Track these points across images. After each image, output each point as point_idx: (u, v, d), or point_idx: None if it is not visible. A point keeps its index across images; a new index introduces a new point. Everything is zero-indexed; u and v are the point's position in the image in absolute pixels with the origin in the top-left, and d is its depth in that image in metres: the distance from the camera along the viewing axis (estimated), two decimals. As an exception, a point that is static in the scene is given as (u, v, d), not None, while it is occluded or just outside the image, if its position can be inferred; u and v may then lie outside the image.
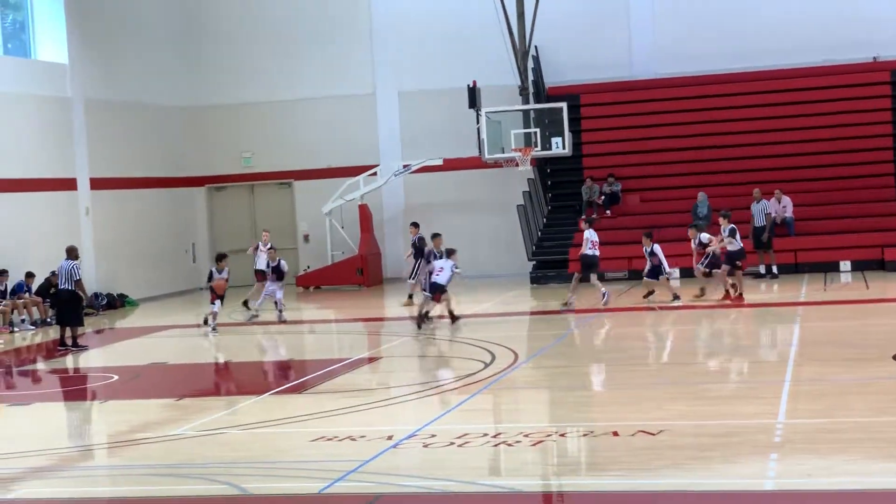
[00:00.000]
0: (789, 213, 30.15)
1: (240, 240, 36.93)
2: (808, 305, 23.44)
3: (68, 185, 31.00)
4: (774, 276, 28.40)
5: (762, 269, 28.93)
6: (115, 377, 18.80)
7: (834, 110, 32.85)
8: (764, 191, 29.91)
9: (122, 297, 31.81)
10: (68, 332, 22.19)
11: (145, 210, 34.07)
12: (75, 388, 18.85)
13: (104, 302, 30.86)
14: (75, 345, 22.11)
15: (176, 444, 13.19)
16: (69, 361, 21.33)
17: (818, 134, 32.62)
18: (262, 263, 27.04)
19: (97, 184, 31.86)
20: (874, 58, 33.17)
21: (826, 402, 13.58)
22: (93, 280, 31.11)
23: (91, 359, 21.94)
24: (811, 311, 22.69)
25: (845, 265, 29.31)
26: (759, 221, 28.94)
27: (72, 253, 22.29)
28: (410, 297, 26.61)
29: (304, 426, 13.78)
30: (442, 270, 22.36)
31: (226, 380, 19.49)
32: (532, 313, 26.02)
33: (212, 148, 36.79)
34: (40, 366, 21.97)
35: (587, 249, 24.15)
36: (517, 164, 30.72)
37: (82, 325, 23.39)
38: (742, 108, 33.42)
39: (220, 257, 24.54)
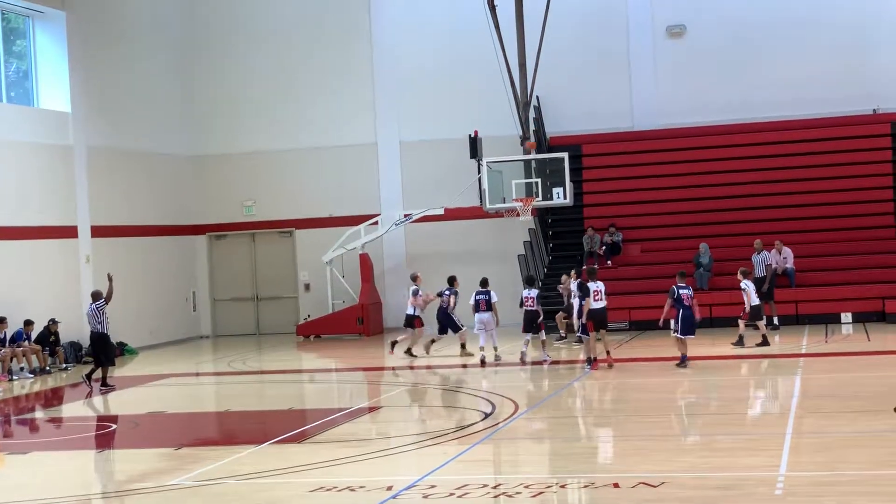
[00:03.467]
0: (790, 265, 30.14)
1: (240, 288, 37.02)
2: (810, 357, 23.37)
3: (69, 232, 31.02)
4: (776, 328, 28.31)
5: (774, 320, 28.88)
6: (114, 426, 18.71)
7: (835, 162, 32.97)
8: (765, 242, 29.92)
9: (122, 345, 31.72)
10: (100, 372, 23.25)
11: (146, 258, 34.07)
12: (73, 438, 18.73)
13: (104, 350, 30.74)
14: (104, 384, 23.10)
15: (173, 494, 13.10)
16: (66, 411, 21.24)
17: (819, 185, 32.69)
18: (411, 309, 26.58)
19: (98, 231, 31.89)
20: (874, 110, 33.32)
21: (827, 455, 13.50)
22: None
23: (90, 407, 21.84)
24: (812, 362, 22.61)
25: (846, 317, 29.28)
26: (759, 272, 28.91)
27: (96, 297, 23.48)
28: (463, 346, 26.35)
29: (303, 476, 13.69)
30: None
31: (224, 429, 19.38)
32: (533, 363, 25.93)
33: (213, 196, 36.88)
34: (38, 414, 21.87)
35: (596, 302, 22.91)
36: (518, 214, 30.76)
37: (114, 364, 24.41)
38: (743, 160, 33.52)
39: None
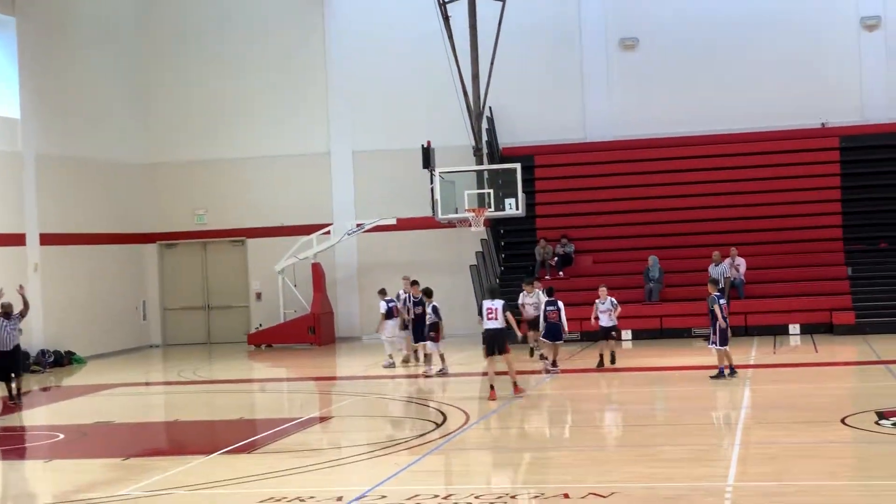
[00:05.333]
0: (742, 273, 30.39)
1: (191, 297, 36.81)
2: (758, 368, 23.54)
3: (17, 240, 30.73)
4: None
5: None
6: (61, 436, 18.53)
7: (784, 175, 33.29)
8: (718, 253, 30.18)
9: (70, 354, 31.45)
10: (13, 385, 22.20)
11: (95, 266, 33.79)
12: (19, 447, 18.53)
13: (51, 359, 30.51)
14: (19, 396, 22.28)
15: (121, 504, 12.99)
16: (13, 420, 21.00)
17: (768, 198, 32.99)
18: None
19: (47, 239, 31.60)
20: (823, 124, 33.68)
21: (775, 466, 13.61)
22: (40, 337, 30.78)
23: (36, 417, 21.62)
24: (761, 374, 22.78)
25: (794, 328, 29.56)
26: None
27: (7, 313, 22.11)
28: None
29: (253, 487, 13.61)
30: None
31: (174, 439, 19.24)
32: (484, 374, 25.90)
33: (164, 205, 36.65)
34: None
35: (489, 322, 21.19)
36: (470, 225, 30.77)
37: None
38: (694, 172, 33.79)
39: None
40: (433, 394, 21.59)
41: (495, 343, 20.11)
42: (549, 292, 24.72)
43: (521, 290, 25.61)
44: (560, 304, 23.98)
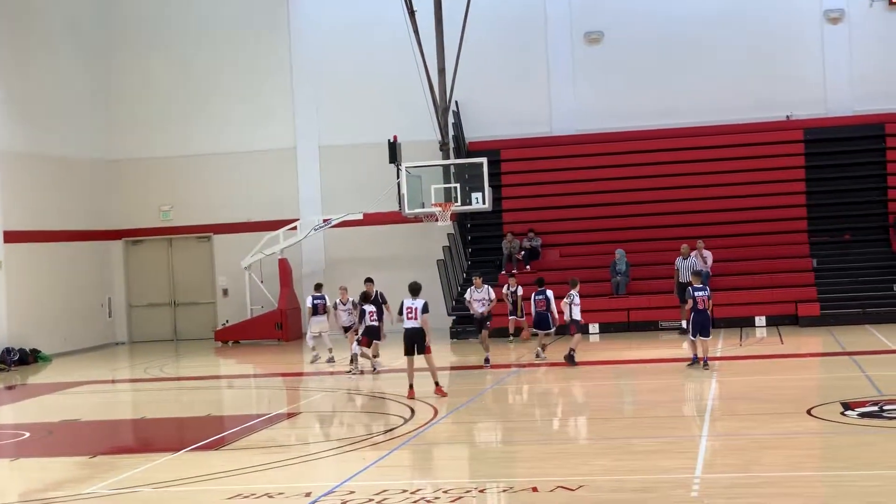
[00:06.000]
0: (708, 268, 30.49)
1: (157, 294, 36.65)
2: (725, 360, 23.64)
3: (-19, 238, 30.51)
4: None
5: (684, 325, 29.11)
6: (27, 434, 18.39)
7: (749, 167, 33.45)
8: (684, 245, 30.27)
9: (35, 352, 31.22)
10: None
11: (60, 264, 33.57)
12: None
13: (16, 357, 30.29)
14: None
15: (88, 502, 12.91)
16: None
17: (733, 191, 33.16)
18: (346, 320, 25.25)
19: (11, 237, 31.36)
20: (787, 116, 33.87)
21: (742, 457, 13.68)
22: (5, 335, 30.57)
23: (2, 415, 21.46)
24: (727, 365, 22.87)
25: (760, 320, 29.70)
26: (687, 277, 29.17)
27: None
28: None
29: (221, 484, 13.56)
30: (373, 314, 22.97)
31: (141, 436, 19.14)
32: (452, 368, 25.94)
33: (129, 201, 36.46)
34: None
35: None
36: (437, 219, 30.78)
37: None
38: (660, 165, 33.91)
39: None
40: (401, 388, 21.54)
41: (414, 342, 19.77)
42: (540, 282, 24.82)
43: (499, 285, 25.62)
44: (549, 293, 24.01)
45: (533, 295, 24.46)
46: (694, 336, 21.67)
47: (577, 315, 23.17)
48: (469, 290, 25.39)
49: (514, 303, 28.66)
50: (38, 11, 33.80)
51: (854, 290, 30.20)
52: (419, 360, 19.99)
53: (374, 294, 23.58)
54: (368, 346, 23.60)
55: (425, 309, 19.88)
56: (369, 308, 23.03)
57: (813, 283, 30.59)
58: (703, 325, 21.51)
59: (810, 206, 32.85)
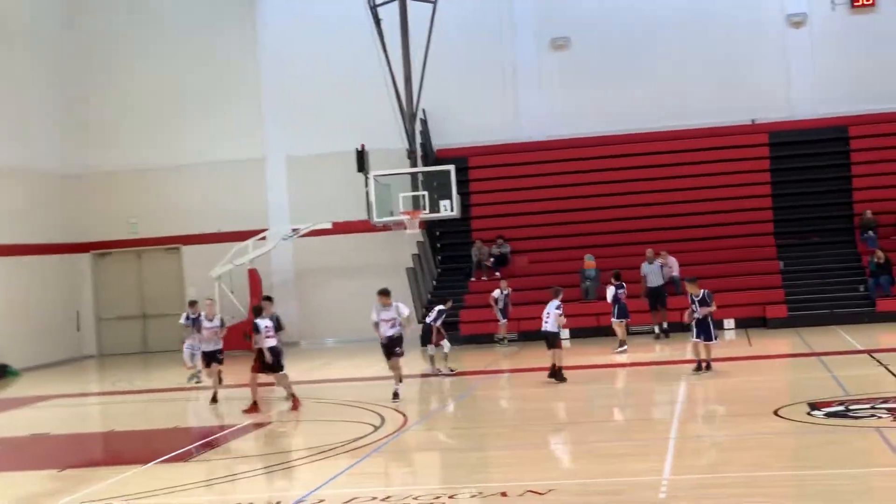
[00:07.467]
0: (675, 273, 30.65)
1: (127, 306, 36.50)
2: (694, 363, 23.69)
3: (-53, 252, 30.32)
4: (667, 336, 28.71)
5: (656, 329, 29.30)
6: (-4, 449, 18.29)
7: (715, 171, 33.68)
8: (653, 251, 30.45)
9: (4, 367, 30.94)
10: None
11: (28, 277, 33.41)
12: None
13: (-15, 372, 30.03)
14: None
15: (57, 516, 12.87)
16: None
17: (701, 195, 33.35)
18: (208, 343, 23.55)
19: (-22, 251, 31.21)
20: (752, 120, 34.09)
21: (710, 458, 13.78)
22: (-27, 350, 30.34)
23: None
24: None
25: (729, 323, 29.83)
26: (655, 281, 29.32)
27: None
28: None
29: (190, 495, 13.54)
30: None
31: (110, 449, 19.06)
32: (422, 376, 25.96)
33: (97, 214, 36.32)
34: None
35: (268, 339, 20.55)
36: (406, 227, 30.82)
37: None
38: (627, 170, 34.06)
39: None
40: (371, 396, 21.55)
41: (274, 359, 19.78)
42: (617, 276, 25.72)
43: (436, 302, 24.20)
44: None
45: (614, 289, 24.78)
46: (700, 339, 21.44)
47: (552, 327, 21.37)
48: (373, 307, 20.54)
49: (506, 307, 28.74)
50: (0, 19, 33.56)
51: (821, 292, 30.41)
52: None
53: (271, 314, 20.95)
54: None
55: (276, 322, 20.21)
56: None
57: (780, 285, 30.80)
58: (706, 329, 21.36)
59: (776, 208, 33.08)
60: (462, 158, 34.22)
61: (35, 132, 34.66)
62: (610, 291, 26.60)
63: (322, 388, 23.80)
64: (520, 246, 33.60)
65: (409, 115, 32.63)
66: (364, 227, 32.46)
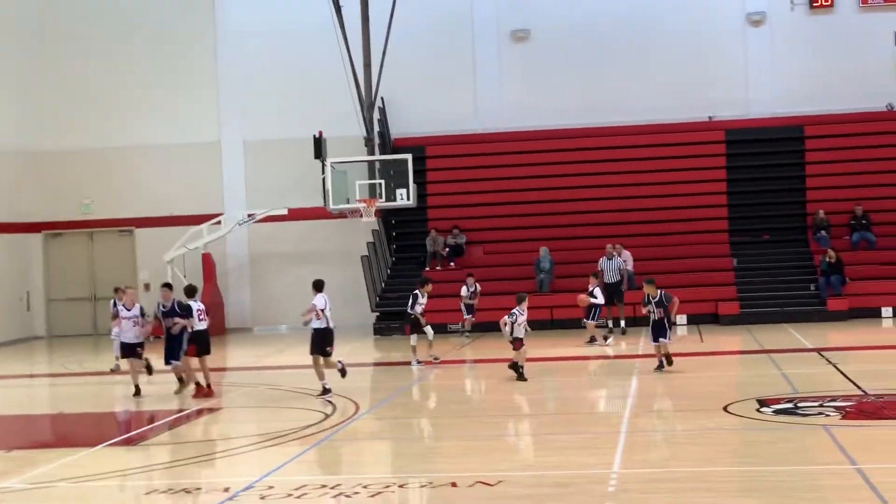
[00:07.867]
0: (629, 267, 30.72)
1: (77, 288, 36.20)
2: (646, 358, 23.84)
3: None
4: (623, 331, 28.57)
5: (611, 324, 29.31)
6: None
7: (671, 167, 33.85)
8: (604, 245, 30.46)
9: (-48, 345, 30.71)
10: None
11: (-22, 256, 33.03)
12: None
13: (-68, 351, 29.76)
14: None
15: (4, 497, 12.72)
16: None
17: (656, 190, 33.50)
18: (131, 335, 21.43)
19: (-73, 229, 30.82)
20: (710, 117, 34.28)
21: (660, 452, 13.85)
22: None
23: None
24: (649, 363, 23.03)
25: (681, 319, 29.95)
26: (614, 277, 29.32)
27: None
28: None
29: (139, 479, 13.44)
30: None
31: (58, 431, 18.89)
32: (375, 364, 25.94)
33: (49, 194, 35.95)
34: None
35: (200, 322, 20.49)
36: (361, 215, 30.76)
37: None
38: (583, 164, 34.16)
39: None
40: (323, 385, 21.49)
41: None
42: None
43: (417, 289, 23.93)
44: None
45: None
46: (656, 340, 21.41)
47: (520, 332, 21.04)
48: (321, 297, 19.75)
49: (472, 303, 28.50)
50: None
51: (773, 290, 30.65)
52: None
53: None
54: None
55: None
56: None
57: (733, 282, 31.01)
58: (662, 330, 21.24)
59: (731, 206, 33.30)
60: (419, 148, 34.19)
61: (-11, 110, 34.27)
62: (598, 290, 25.95)
63: (274, 375, 23.71)
64: (475, 237, 33.62)
65: (367, 102, 32.53)
66: (320, 213, 32.36)
